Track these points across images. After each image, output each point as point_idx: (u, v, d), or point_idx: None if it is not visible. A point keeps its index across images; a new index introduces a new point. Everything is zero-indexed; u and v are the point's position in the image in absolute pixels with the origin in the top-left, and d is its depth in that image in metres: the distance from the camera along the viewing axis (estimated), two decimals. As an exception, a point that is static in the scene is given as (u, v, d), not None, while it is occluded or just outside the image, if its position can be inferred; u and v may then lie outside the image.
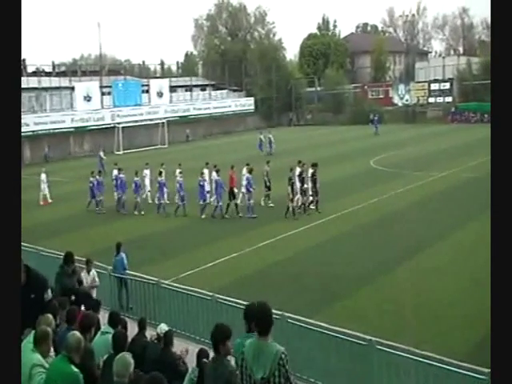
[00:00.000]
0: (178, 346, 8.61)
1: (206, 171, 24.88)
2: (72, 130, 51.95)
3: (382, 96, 67.98)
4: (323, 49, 78.39)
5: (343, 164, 35.08)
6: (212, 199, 24.34)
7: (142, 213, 24.91)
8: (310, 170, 23.52)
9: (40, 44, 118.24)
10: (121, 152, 49.10)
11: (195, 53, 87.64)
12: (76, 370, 5.84)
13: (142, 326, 8.85)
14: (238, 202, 24.17)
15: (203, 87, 71.16)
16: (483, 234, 14.92)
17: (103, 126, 53.01)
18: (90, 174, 27.02)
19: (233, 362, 5.54)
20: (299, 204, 23.09)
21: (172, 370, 7.39)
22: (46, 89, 52.60)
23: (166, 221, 23.63)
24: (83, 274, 12.16)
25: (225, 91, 69.61)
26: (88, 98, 53.21)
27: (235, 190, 23.92)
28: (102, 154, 38.24)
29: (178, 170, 25.32)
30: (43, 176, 29.01)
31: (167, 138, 54.40)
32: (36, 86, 51.00)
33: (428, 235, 19.24)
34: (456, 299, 13.71)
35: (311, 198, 23.46)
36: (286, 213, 22.46)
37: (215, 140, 58.29)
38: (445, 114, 62.09)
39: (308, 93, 71.39)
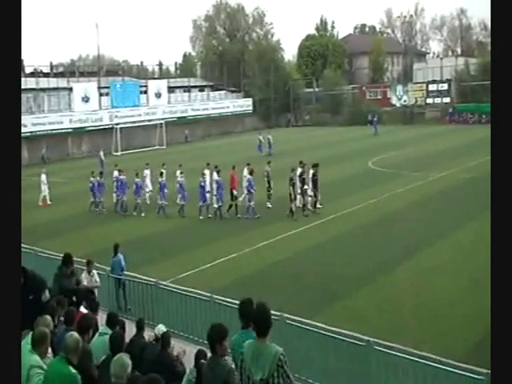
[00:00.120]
0: (176, 346, 8.58)
1: (207, 172, 24.79)
2: (70, 130, 51.89)
3: (380, 97, 67.97)
4: (321, 50, 78.42)
5: (342, 164, 35.05)
6: (213, 200, 24.27)
7: (143, 214, 24.85)
8: (311, 171, 23.49)
9: (38, 45, 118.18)
10: (119, 153, 49.02)
11: (193, 54, 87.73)
12: (74, 371, 5.83)
13: (139, 327, 8.81)
14: (239, 202, 24.13)
15: (201, 88, 71.09)
16: (483, 233, 14.97)
17: (101, 127, 52.92)
18: (90, 174, 27.05)
19: (230, 360, 5.51)
20: (301, 205, 22.97)
21: (170, 371, 7.37)
22: (43, 89, 52.55)
23: (165, 221, 23.59)
24: (84, 275, 12.13)
25: (223, 92, 69.58)
26: (86, 99, 53.10)
27: (234, 192, 23.85)
28: (101, 154, 38.19)
29: (178, 171, 25.27)
30: (43, 177, 28.62)
31: (165, 139, 54.37)
32: (34, 86, 50.94)
33: (427, 235, 19.23)
34: (455, 299, 13.69)
35: (310, 199, 23.40)
36: (292, 214, 22.25)
37: (214, 141, 58.25)
38: (443, 114, 62.16)
39: (306, 93, 71.38)
